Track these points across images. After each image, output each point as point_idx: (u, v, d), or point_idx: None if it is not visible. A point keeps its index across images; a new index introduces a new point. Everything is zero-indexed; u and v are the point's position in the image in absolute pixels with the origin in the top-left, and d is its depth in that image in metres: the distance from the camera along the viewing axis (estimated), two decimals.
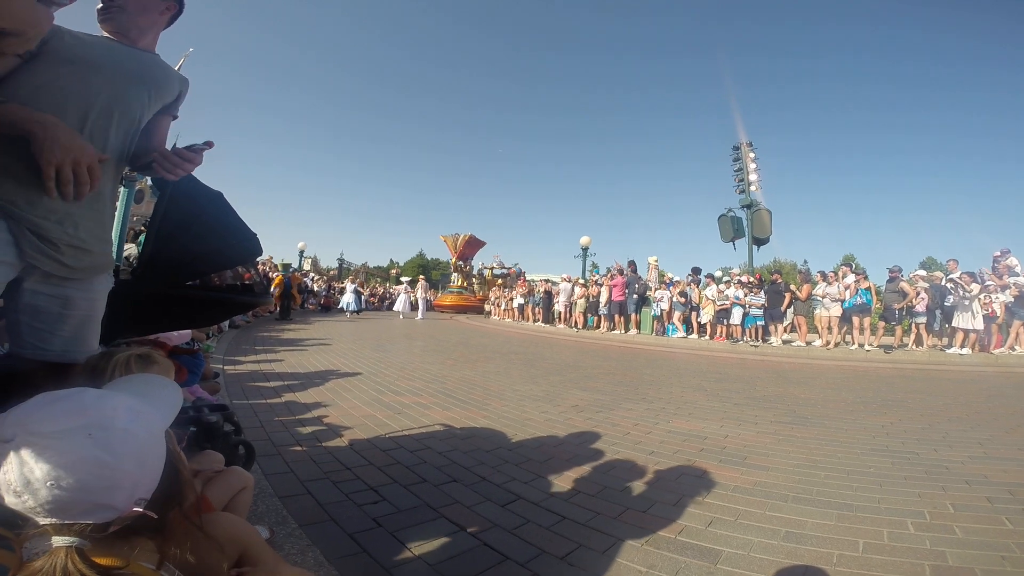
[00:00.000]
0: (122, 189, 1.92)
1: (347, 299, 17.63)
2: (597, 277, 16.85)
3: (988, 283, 9.21)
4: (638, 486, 2.39)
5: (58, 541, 0.67)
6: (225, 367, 5.25)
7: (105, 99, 1.39)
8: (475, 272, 29.06)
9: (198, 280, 1.99)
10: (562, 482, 2.41)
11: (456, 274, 27.97)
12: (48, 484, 0.64)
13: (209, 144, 1.50)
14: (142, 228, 4.90)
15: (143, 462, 0.73)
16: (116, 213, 2.10)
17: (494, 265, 29.23)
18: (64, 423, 0.67)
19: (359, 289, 19.57)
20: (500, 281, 26.78)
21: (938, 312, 9.69)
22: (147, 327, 2.13)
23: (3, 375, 1.41)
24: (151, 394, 0.84)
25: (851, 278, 10.36)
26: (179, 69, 1.82)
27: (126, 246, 4.96)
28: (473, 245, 28.61)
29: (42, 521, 0.68)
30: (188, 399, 1.76)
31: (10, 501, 0.66)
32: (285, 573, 1.05)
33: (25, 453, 0.64)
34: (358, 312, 17.77)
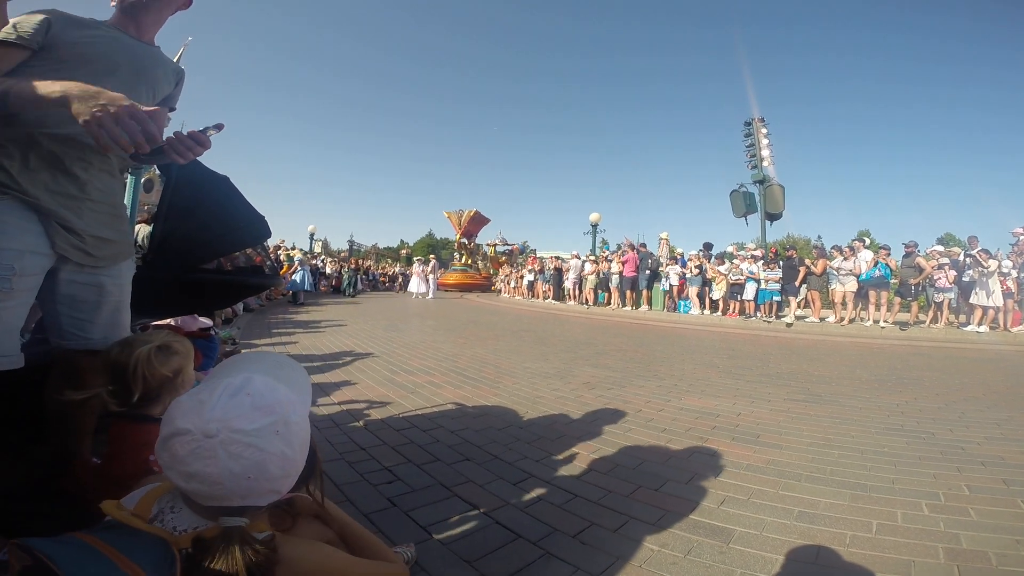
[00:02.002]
0: (130, 177, 1.92)
1: (297, 277, 13.20)
2: (607, 253, 16.76)
3: (1005, 260, 9.01)
4: (650, 464, 2.39)
5: (228, 521, 0.72)
6: (241, 350, 5.32)
7: None
8: (480, 249, 28.80)
9: (208, 263, 2.00)
10: (574, 460, 2.42)
11: (460, 252, 27.67)
12: (247, 477, 0.70)
13: (219, 127, 1.49)
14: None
15: (305, 450, 0.80)
16: (127, 200, 2.11)
17: (497, 242, 28.98)
18: (259, 421, 0.72)
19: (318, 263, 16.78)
20: (503, 258, 26.61)
21: (955, 289, 9.51)
22: (160, 311, 2.15)
23: (40, 364, 1.44)
24: (291, 379, 0.89)
25: (868, 253, 10.17)
26: (179, 59, 1.81)
27: (139, 227, 5.01)
28: (478, 222, 28.17)
29: (209, 504, 0.72)
30: None
31: (197, 489, 0.70)
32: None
33: (229, 450, 0.69)
34: (302, 296, 13.33)
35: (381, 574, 0.97)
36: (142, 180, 2.22)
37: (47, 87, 1.14)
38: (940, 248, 10.48)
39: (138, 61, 1.46)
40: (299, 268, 13.52)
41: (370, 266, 28.32)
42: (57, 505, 1.34)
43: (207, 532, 0.71)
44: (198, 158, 1.60)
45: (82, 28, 1.37)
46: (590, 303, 15.12)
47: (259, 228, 1.99)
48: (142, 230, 4.98)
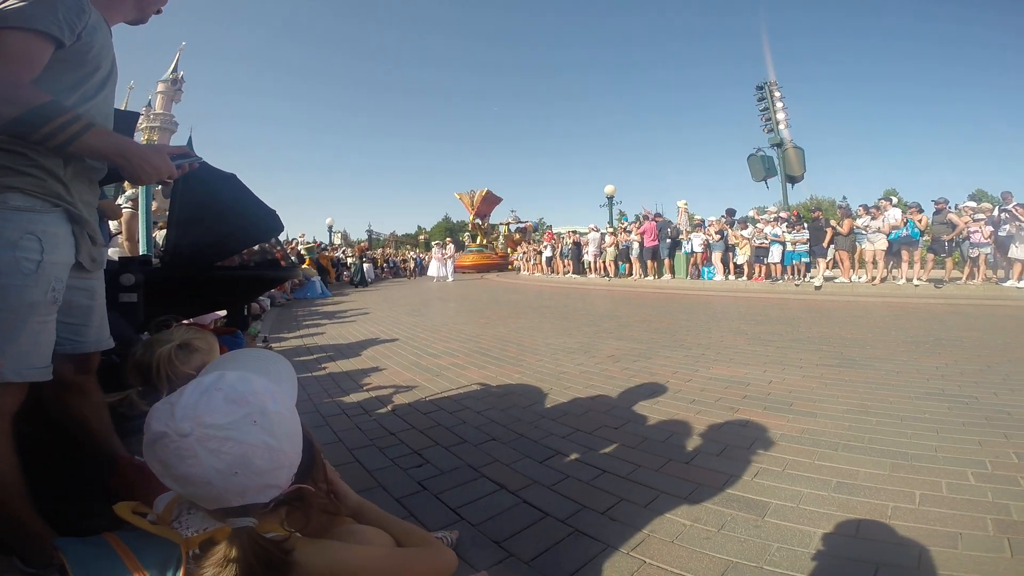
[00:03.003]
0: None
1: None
2: (626, 224, 16.57)
3: None
4: (680, 437, 2.36)
5: (236, 523, 0.71)
6: (271, 344, 5.42)
7: (105, 109, 1.40)
8: (495, 229, 28.62)
9: (223, 261, 2.02)
10: (601, 435, 2.40)
11: (474, 232, 27.50)
12: (233, 473, 0.68)
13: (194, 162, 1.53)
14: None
15: (294, 440, 0.78)
16: (140, 207, 2.15)
17: (510, 220, 28.77)
18: (232, 413, 0.70)
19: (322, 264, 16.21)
20: (517, 236, 26.44)
21: (991, 244, 9.11)
22: (185, 310, 2.17)
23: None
24: (271, 371, 0.87)
25: (896, 211, 9.82)
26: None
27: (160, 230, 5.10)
28: (490, 201, 28.02)
29: (212, 507, 0.71)
30: None
31: (193, 492, 0.69)
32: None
33: (207, 446, 0.67)
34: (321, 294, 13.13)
35: (411, 559, 0.93)
36: (159, 186, 2.24)
37: (117, 144, 1.24)
38: (972, 204, 10.03)
39: (115, 67, 1.44)
40: (307, 281, 13.54)
41: (391, 254, 28.49)
42: (104, 504, 1.38)
43: (217, 534, 0.70)
44: (204, 159, 1.61)
45: (100, 27, 1.31)
46: (611, 275, 14.99)
47: (270, 223, 1.99)
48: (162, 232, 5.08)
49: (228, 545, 0.68)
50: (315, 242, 19.62)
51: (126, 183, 4.46)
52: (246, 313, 2.95)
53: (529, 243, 23.31)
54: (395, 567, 0.89)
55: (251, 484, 0.70)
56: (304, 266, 13.52)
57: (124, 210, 4.70)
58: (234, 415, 0.70)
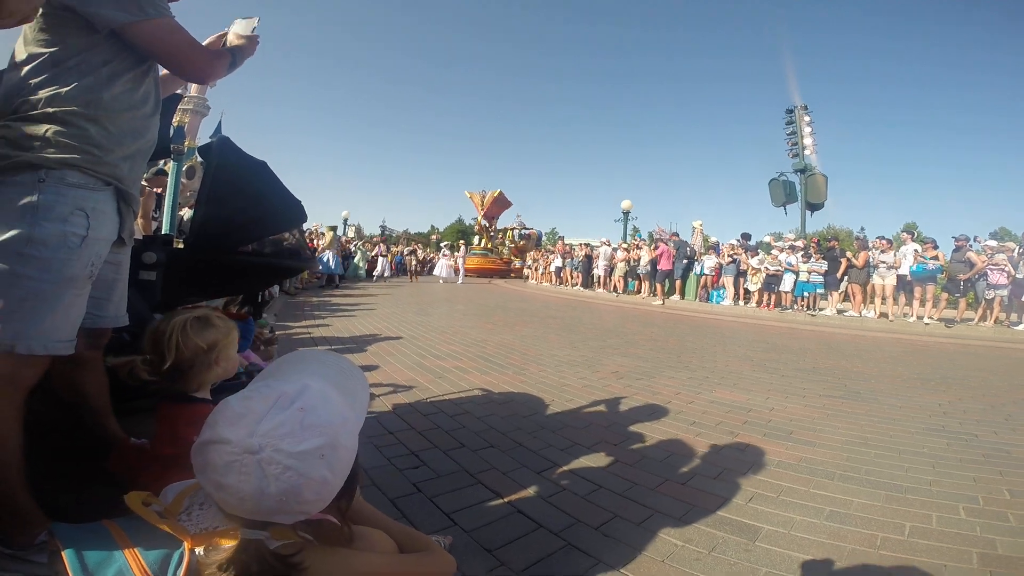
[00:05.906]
0: (173, 164, 2.01)
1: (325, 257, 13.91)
2: (639, 241, 16.53)
3: None
4: (678, 457, 2.37)
5: (247, 533, 0.68)
6: (276, 332, 5.46)
7: (157, 89, 1.47)
8: (500, 234, 28.10)
9: (247, 246, 2.07)
10: (599, 450, 2.41)
11: (480, 235, 26.92)
12: (278, 499, 0.65)
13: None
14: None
15: (346, 472, 0.74)
16: (169, 187, 2.22)
17: (516, 226, 28.38)
18: (306, 442, 0.66)
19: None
20: (522, 243, 26.11)
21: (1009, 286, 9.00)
22: (202, 293, 2.22)
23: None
24: (352, 391, 0.81)
25: (912, 246, 9.74)
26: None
27: (183, 211, 5.21)
28: (501, 204, 27.52)
29: (232, 513, 0.69)
30: (242, 364, 1.84)
31: (225, 499, 0.67)
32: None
33: (267, 470, 0.64)
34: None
35: (417, 564, 0.92)
36: (184, 167, 2.31)
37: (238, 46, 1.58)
38: (993, 243, 9.91)
39: None
40: (325, 252, 13.77)
41: (401, 251, 28.53)
42: (100, 487, 1.39)
43: (223, 538, 0.68)
44: (238, 144, 1.66)
45: None
46: (619, 291, 14.95)
47: (296, 212, 2.04)
48: (186, 214, 5.17)
49: (234, 552, 0.67)
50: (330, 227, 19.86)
51: (162, 162, 4.62)
52: (260, 300, 2.98)
53: (539, 249, 23.19)
54: (403, 573, 0.89)
55: (287, 509, 0.67)
56: (328, 235, 14.57)
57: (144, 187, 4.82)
58: (307, 444, 0.66)
